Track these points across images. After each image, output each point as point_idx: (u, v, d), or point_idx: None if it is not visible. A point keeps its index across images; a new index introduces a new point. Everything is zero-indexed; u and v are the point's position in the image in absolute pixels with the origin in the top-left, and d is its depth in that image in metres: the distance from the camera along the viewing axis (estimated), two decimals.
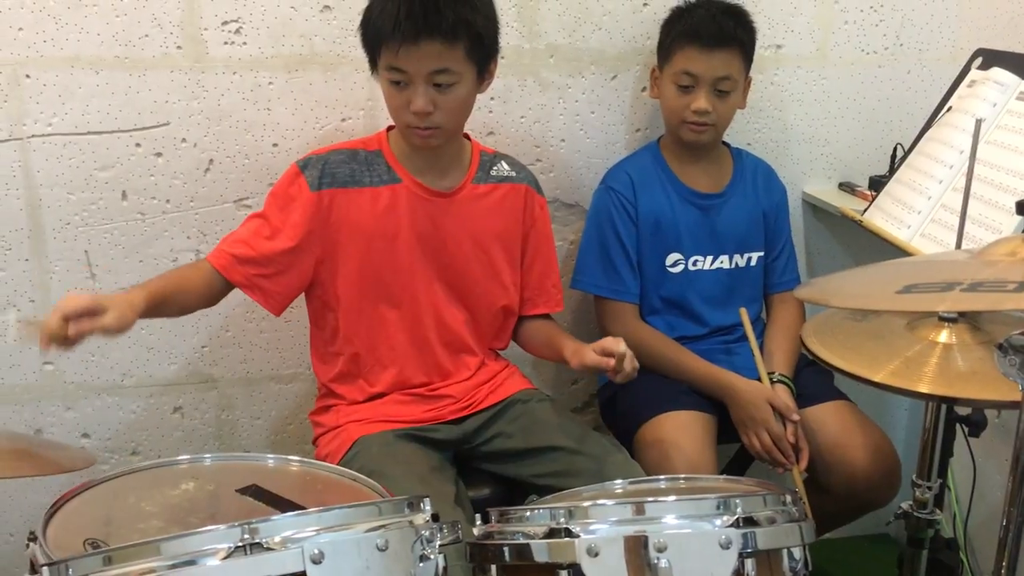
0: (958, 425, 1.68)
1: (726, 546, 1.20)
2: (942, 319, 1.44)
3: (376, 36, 1.60)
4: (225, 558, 1.10)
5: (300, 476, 1.50)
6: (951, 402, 1.56)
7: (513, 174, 1.82)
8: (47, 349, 1.38)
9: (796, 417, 1.84)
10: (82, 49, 1.81)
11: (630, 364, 1.58)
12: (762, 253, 2.04)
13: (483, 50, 1.64)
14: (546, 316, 1.89)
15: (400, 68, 1.59)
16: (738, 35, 1.88)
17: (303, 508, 1.34)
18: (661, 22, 1.97)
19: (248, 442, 2.10)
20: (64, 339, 1.38)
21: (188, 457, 1.52)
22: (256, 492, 1.41)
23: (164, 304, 1.57)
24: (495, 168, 1.80)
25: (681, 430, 1.83)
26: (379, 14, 1.59)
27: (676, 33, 1.89)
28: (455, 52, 1.59)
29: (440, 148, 1.70)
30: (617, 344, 1.59)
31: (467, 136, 1.80)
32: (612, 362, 1.58)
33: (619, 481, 1.52)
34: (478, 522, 1.35)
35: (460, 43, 1.59)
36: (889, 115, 2.22)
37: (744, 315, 1.90)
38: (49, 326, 1.37)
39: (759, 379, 1.91)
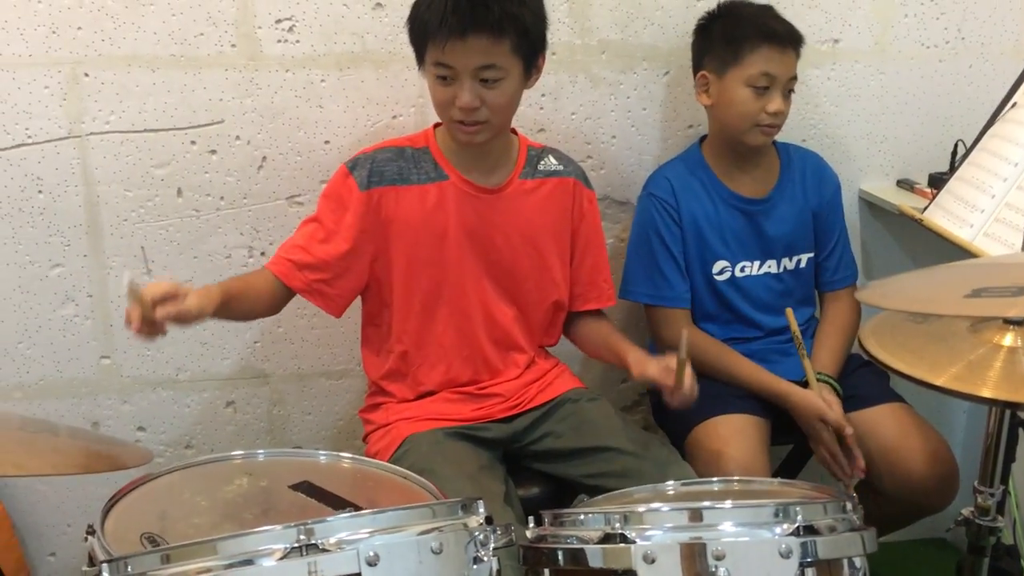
0: (1021, 429, 1.63)
1: (786, 555, 1.18)
2: (1007, 322, 1.40)
3: (423, 31, 1.60)
4: (281, 558, 1.11)
5: (352, 473, 1.51)
6: (1015, 407, 1.52)
7: (561, 168, 1.80)
8: (139, 333, 1.40)
9: (849, 430, 1.80)
10: (139, 48, 1.83)
11: (690, 385, 1.58)
12: (812, 254, 2.00)
13: (530, 45, 1.63)
14: (599, 313, 1.88)
15: (447, 63, 1.58)
16: (799, 34, 1.86)
17: (355, 505, 1.34)
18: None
19: (299, 437, 2.12)
20: (152, 323, 1.40)
21: (242, 452, 1.55)
22: (308, 489, 1.42)
23: (234, 302, 1.58)
24: (543, 163, 1.79)
25: (734, 434, 1.81)
26: (427, 9, 1.59)
27: (748, 34, 1.83)
28: (501, 47, 1.58)
29: (487, 144, 1.69)
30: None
31: (514, 131, 1.79)
32: (672, 383, 1.58)
33: (671, 482, 1.51)
34: (531, 524, 1.34)
35: (507, 38, 1.58)
36: (950, 111, 2.17)
37: (791, 316, 1.86)
38: (134, 312, 1.39)
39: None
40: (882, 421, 1.87)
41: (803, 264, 1.99)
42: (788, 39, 1.84)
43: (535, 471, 1.79)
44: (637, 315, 2.10)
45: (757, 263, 1.96)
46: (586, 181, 1.85)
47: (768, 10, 1.89)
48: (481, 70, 1.59)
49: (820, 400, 1.83)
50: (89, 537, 1.27)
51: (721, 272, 1.95)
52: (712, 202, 1.93)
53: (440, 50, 1.57)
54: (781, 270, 1.98)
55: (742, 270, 1.96)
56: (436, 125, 1.77)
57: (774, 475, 1.91)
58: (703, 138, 2.00)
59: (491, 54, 1.58)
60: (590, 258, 1.85)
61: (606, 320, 1.89)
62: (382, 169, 1.70)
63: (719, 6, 1.93)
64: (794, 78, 1.85)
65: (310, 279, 1.68)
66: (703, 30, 1.93)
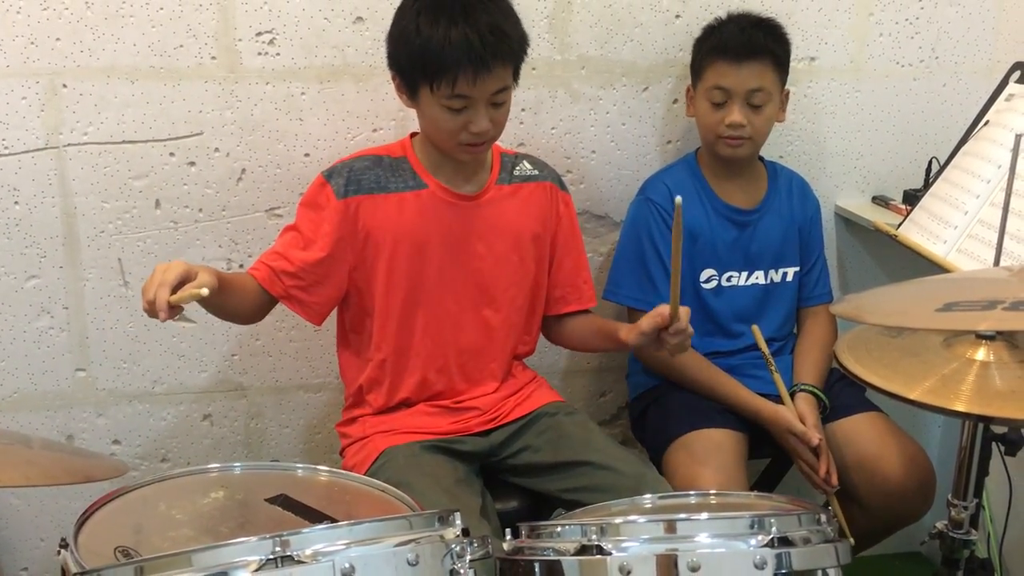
0: (994, 444, 1.65)
1: (760, 566, 1.18)
2: (980, 336, 1.42)
3: (441, 66, 1.57)
4: (256, 571, 1.10)
5: (328, 486, 1.50)
6: (988, 421, 1.53)
7: (537, 172, 1.82)
8: (163, 319, 1.39)
9: (815, 442, 1.82)
10: (118, 59, 1.83)
11: (686, 317, 1.59)
12: (797, 268, 2.02)
13: (522, 61, 1.67)
14: (581, 312, 1.88)
15: (467, 95, 1.59)
16: (768, 46, 1.86)
17: (332, 519, 1.34)
18: (694, 33, 1.96)
19: (276, 451, 2.11)
20: (172, 308, 1.39)
21: (218, 465, 1.54)
22: (285, 502, 1.41)
23: (227, 290, 1.56)
24: (518, 168, 1.81)
25: (712, 449, 1.81)
26: (442, 43, 1.56)
27: (706, 49, 1.89)
28: (510, 69, 1.63)
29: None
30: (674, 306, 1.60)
31: None
32: (667, 311, 1.58)
33: (648, 496, 1.51)
34: (508, 537, 1.34)
35: (516, 60, 1.63)
36: (924, 128, 2.20)
37: (757, 332, 1.88)
38: (161, 299, 1.38)
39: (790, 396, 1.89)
40: (859, 430, 1.89)
41: (789, 278, 2.01)
42: (743, 52, 1.84)
43: (513, 485, 1.78)
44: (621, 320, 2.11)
45: (745, 273, 1.98)
46: (562, 185, 1.86)
47: (744, 22, 1.89)
48: (495, 95, 1.61)
49: (788, 413, 1.85)
50: (62, 551, 1.25)
51: (708, 280, 1.96)
52: (705, 211, 1.95)
53: (469, 84, 1.57)
54: (768, 282, 1.99)
55: (728, 280, 1.97)
56: (412, 135, 1.78)
57: (751, 489, 1.92)
58: (699, 148, 2.02)
59: (505, 78, 1.62)
60: (570, 260, 1.86)
61: (590, 314, 1.90)
62: (359, 178, 1.71)
63: (715, 19, 1.94)
64: (758, 90, 1.85)
65: (288, 286, 1.68)
66: (693, 45, 1.95)
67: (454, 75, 1.57)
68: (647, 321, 1.62)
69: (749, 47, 1.85)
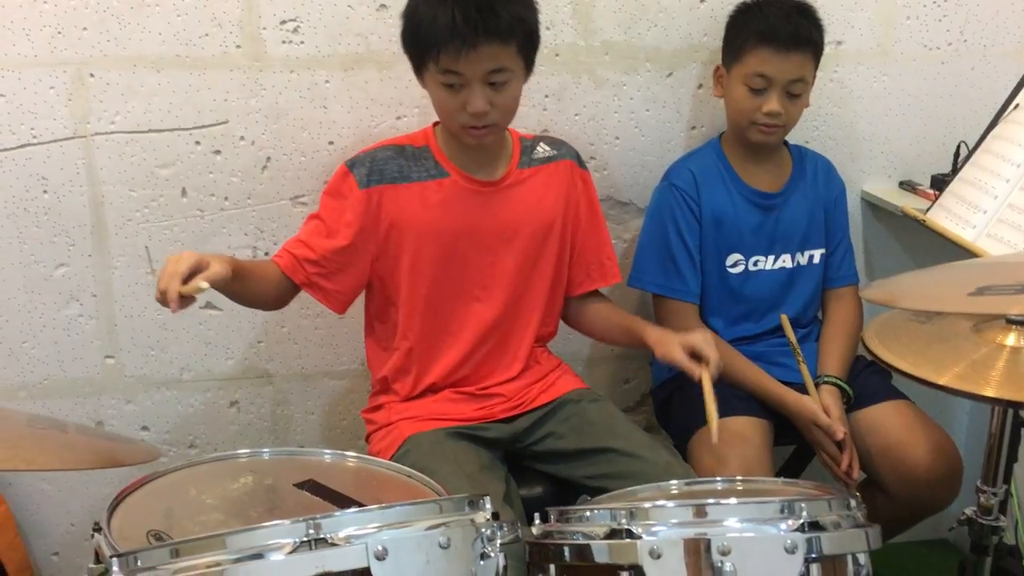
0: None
1: (792, 551, 1.18)
2: (1010, 322, 1.41)
3: (427, 42, 1.59)
4: (290, 553, 1.11)
5: (356, 472, 1.51)
6: (1018, 406, 1.53)
7: (554, 152, 1.82)
8: (174, 310, 1.41)
9: (839, 436, 1.81)
10: (144, 48, 1.84)
11: (716, 369, 1.60)
12: (823, 250, 2.01)
13: (533, 45, 1.66)
14: (598, 294, 1.88)
15: (457, 71, 1.59)
16: (812, 36, 1.85)
17: (360, 503, 1.35)
18: (719, 18, 1.95)
19: (302, 437, 2.12)
20: (183, 298, 1.41)
21: (247, 451, 1.55)
22: (313, 487, 1.42)
23: (245, 276, 1.58)
24: (536, 151, 1.81)
25: (737, 435, 1.81)
26: (430, 20, 1.58)
27: (749, 33, 1.85)
28: (509, 50, 1.61)
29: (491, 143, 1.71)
30: (707, 347, 1.60)
31: None
32: (699, 373, 1.59)
33: (674, 482, 1.51)
34: (537, 521, 1.34)
35: (514, 41, 1.61)
36: (952, 112, 2.18)
37: (785, 322, 1.87)
38: (172, 290, 1.40)
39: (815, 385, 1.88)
40: (886, 417, 1.88)
41: (816, 260, 2.00)
42: (790, 41, 1.82)
43: (537, 471, 1.79)
44: (646, 311, 2.11)
45: (772, 257, 1.97)
46: (580, 161, 1.86)
47: (787, 8, 1.86)
48: (490, 74, 1.60)
49: (813, 405, 1.84)
50: (95, 535, 1.27)
51: (735, 265, 1.96)
52: (730, 196, 1.94)
53: (453, 60, 1.57)
54: (794, 265, 1.98)
55: (755, 264, 1.96)
56: (435, 124, 1.78)
57: (777, 475, 1.92)
58: (723, 133, 2.00)
59: (500, 58, 1.60)
60: (592, 237, 1.85)
61: (608, 300, 1.90)
62: (382, 167, 1.71)
63: None
64: (799, 80, 1.84)
65: (310, 273, 1.70)
66: (728, 24, 1.93)
67: (438, 51, 1.58)
68: (680, 358, 1.62)
69: (796, 36, 1.82)
